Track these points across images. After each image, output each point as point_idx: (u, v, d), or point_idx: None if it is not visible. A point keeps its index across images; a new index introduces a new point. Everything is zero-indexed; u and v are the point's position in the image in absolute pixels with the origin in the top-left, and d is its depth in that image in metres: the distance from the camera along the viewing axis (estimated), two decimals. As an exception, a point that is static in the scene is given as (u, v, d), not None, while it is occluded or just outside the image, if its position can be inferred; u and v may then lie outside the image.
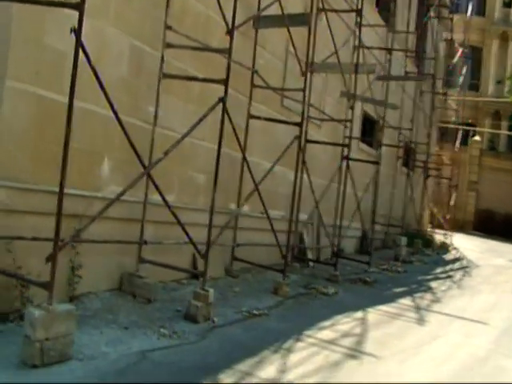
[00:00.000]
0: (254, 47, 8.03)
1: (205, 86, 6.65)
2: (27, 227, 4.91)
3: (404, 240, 14.23)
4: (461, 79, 24.84)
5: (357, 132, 12.70)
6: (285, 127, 8.44)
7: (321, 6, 9.88)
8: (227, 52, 5.98)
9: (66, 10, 4.31)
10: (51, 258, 4.04)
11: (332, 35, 9.62)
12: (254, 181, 7.08)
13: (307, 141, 9.62)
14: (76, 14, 4.96)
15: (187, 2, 6.71)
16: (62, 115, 4.28)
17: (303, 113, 7.90)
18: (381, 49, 13.29)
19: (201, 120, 5.79)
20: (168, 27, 6.18)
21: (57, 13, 4.80)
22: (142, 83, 6.16)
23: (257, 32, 8.04)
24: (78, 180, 5.42)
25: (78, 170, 5.40)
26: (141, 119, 6.14)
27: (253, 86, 8.01)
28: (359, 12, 10.36)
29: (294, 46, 7.88)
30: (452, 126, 23.88)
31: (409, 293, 9.49)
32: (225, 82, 5.91)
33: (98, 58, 5.45)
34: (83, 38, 5.13)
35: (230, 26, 6.06)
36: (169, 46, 6.20)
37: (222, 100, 5.86)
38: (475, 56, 41.10)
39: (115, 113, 4.71)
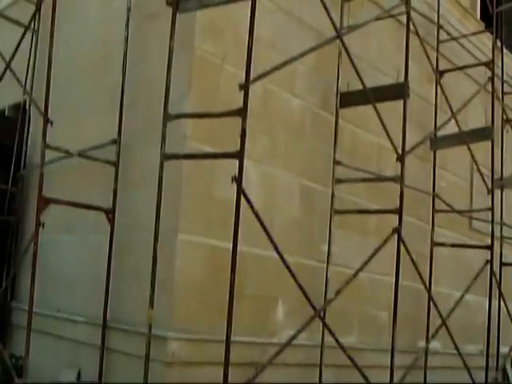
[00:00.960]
0: (433, 170, 7.67)
1: (382, 217, 6.41)
2: (203, 378, 4.85)
3: None
4: None
5: None
6: (477, 251, 7.83)
7: (505, 116, 9.36)
8: (399, 179, 5.73)
9: (234, 161, 4.36)
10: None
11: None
12: (440, 314, 6.52)
13: (503, 264, 8.81)
14: (246, 162, 5.15)
15: (357, 134, 6.63)
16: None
17: (493, 234, 7.30)
18: None
19: (374, 254, 5.53)
20: (337, 162, 6.12)
21: (224, 164, 4.90)
22: (315, 221, 6.08)
23: (435, 154, 7.71)
24: (252, 326, 5.34)
25: (251, 317, 5.34)
26: (315, 258, 6.02)
27: (434, 211, 7.60)
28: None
29: (476, 163, 7.42)
30: None
31: None
32: (398, 211, 5.64)
33: (268, 202, 5.53)
34: (251, 185, 5.29)
35: (400, 151, 5.84)
36: (338, 181, 6.10)
37: (397, 230, 5.57)
38: None
39: (280, 255, 4.60)
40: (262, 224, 4.35)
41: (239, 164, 4.07)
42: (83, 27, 5.91)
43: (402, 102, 6.10)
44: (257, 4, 4.68)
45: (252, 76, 4.48)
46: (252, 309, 5.35)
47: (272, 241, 4.44)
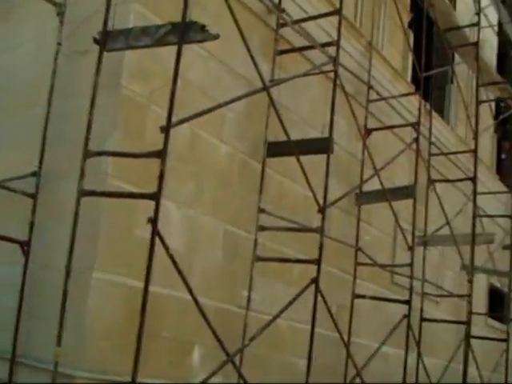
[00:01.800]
0: (357, 224, 7.85)
1: (305, 266, 6.49)
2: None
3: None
4: None
5: (482, 307, 11.83)
6: (399, 305, 8.00)
7: (432, 175, 9.72)
8: (319, 231, 5.86)
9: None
10: None
11: (442, 206, 9.32)
12: (354, 365, 6.59)
13: (423, 319, 9.02)
14: (169, 204, 5.18)
15: (284, 184, 6.76)
16: (151, 305, 4.24)
17: (411, 289, 7.49)
18: (503, 216, 12.69)
19: (291, 302, 5.62)
20: (262, 210, 6.21)
21: (146, 204, 4.91)
22: (237, 267, 6.11)
23: (359, 208, 7.91)
24: (168, 370, 5.28)
25: (168, 360, 5.30)
26: (235, 304, 6.03)
27: (357, 263, 7.75)
28: (473, 180, 10.06)
29: (397, 219, 7.65)
30: None
31: None
32: (317, 262, 5.75)
33: (190, 246, 5.55)
34: (173, 227, 5.32)
35: (322, 203, 5.98)
36: (262, 228, 6.18)
37: (315, 280, 5.67)
38: None
39: (194, 298, 4.59)
40: (176, 266, 4.35)
41: (156, 205, 4.08)
42: (15, 58, 5.90)
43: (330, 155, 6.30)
44: (188, 50, 4.81)
45: (178, 119, 4.58)
46: (168, 352, 5.30)
47: (186, 283, 4.44)
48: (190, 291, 4.53)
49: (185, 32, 4.08)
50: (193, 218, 5.55)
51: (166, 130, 4.13)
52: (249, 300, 6.08)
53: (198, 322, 5.56)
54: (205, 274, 5.72)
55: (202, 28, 4.08)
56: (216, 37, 4.16)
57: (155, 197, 4.07)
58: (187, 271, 5.16)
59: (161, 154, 4.10)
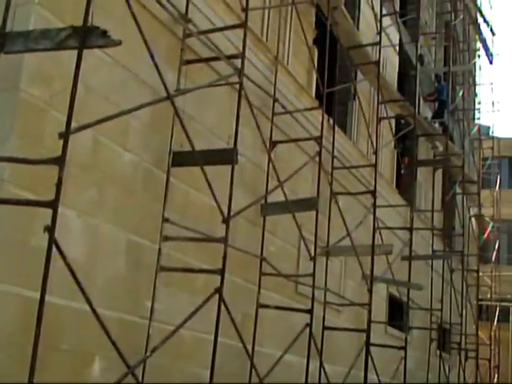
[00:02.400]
0: (262, 234, 7.93)
1: (210, 277, 6.49)
2: None
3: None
4: (493, 255, 24.38)
5: (382, 315, 12.22)
6: (303, 315, 8.13)
7: (335, 188, 9.98)
8: (223, 241, 5.89)
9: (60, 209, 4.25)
10: None
11: (343, 218, 9.58)
12: (257, 374, 6.64)
13: (325, 328, 9.20)
14: (69, 212, 5.06)
15: (190, 194, 6.74)
16: (50, 316, 4.10)
17: (313, 298, 7.64)
18: (401, 228, 13.19)
19: (194, 313, 5.59)
20: (166, 220, 6.17)
21: (44, 212, 4.77)
22: (140, 277, 6.03)
23: (265, 219, 8.00)
24: (67, 382, 5.13)
25: (67, 372, 5.16)
26: (138, 315, 5.94)
27: (262, 274, 7.83)
28: (373, 193, 10.41)
29: (300, 230, 7.80)
30: (489, 303, 23.11)
31: None
32: (221, 272, 5.76)
33: (91, 255, 5.43)
34: (73, 236, 5.19)
35: (226, 214, 6.01)
36: (166, 238, 6.14)
37: (218, 290, 5.68)
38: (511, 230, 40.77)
39: (92, 309, 4.48)
40: (74, 276, 4.23)
41: (53, 214, 3.96)
42: None
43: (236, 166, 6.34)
44: (92, 55, 4.74)
45: (79, 125, 4.48)
46: (67, 364, 5.16)
47: (84, 294, 4.33)
48: (89, 302, 4.42)
49: (86, 37, 4.00)
50: (94, 226, 5.44)
51: (64, 136, 4.03)
52: (152, 311, 6.00)
53: (99, 333, 5.45)
54: (107, 284, 5.61)
55: (104, 33, 4.02)
56: (118, 43, 4.10)
57: (53, 204, 3.95)
58: (88, 281, 5.05)
59: (59, 161, 3.99)
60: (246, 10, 6.55)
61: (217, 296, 5.96)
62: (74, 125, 4.27)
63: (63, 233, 4.72)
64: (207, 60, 6.74)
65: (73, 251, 5.14)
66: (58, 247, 4.03)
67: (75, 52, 4.19)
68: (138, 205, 5.97)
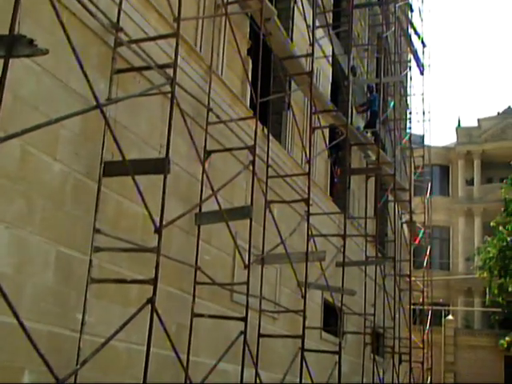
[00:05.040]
0: (196, 243, 7.93)
1: (143, 287, 6.44)
2: None
3: None
4: (425, 260, 25.05)
5: (317, 321, 12.38)
6: (238, 323, 8.16)
7: (270, 197, 10.06)
8: (155, 251, 5.86)
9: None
10: None
11: (277, 226, 9.67)
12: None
13: (261, 335, 9.26)
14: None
15: (122, 204, 6.68)
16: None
17: (247, 306, 7.68)
18: (335, 235, 13.41)
19: (125, 324, 5.54)
20: (97, 231, 6.10)
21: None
22: (71, 290, 5.92)
23: (199, 228, 8.00)
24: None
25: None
26: (69, 328, 5.84)
27: (196, 283, 7.82)
28: (306, 201, 10.56)
29: (234, 238, 7.84)
30: (421, 307, 23.72)
31: None
32: (154, 282, 5.74)
33: (19, 268, 5.32)
34: (4, 249, 5.08)
35: (158, 225, 5.99)
36: (98, 249, 6.07)
37: (150, 300, 5.65)
38: (443, 235, 42.03)
39: (20, 322, 4.40)
40: (0, 289, 4.14)
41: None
42: None
43: (170, 175, 6.33)
44: (19, 63, 4.66)
45: (5, 135, 4.41)
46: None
47: (11, 307, 4.24)
48: (16, 315, 4.33)
49: (12, 45, 3.95)
50: (22, 238, 5.32)
51: (-10, 146, 3.96)
52: (83, 323, 5.91)
53: (29, 347, 5.35)
54: (36, 297, 5.50)
55: (31, 42, 3.97)
56: (45, 52, 4.06)
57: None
58: (16, 294, 4.96)
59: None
60: (178, 19, 6.56)
61: (150, 306, 5.92)
62: (1, 134, 4.20)
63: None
64: (139, 69, 6.71)
65: (0, 263, 5.03)
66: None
67: (1, 61, 4.13)
68: (68, 216, 5.88)
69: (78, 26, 5.84)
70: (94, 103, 5.36)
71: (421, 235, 24.70)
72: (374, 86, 17.82)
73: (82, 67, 5.03)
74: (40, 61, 5.09)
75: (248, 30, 10.19)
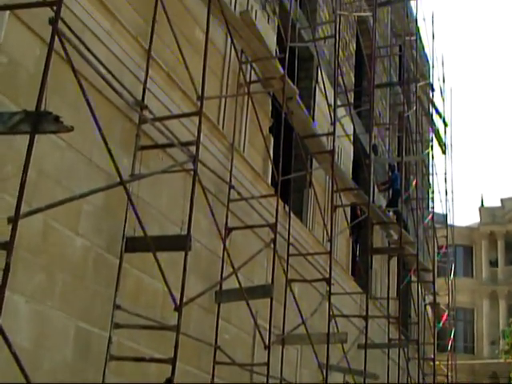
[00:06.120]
0: (216, 322, 7.79)
1: (162, 365, 6.29)
2: None
3: None
4: (450, 343, 24.36)
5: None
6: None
7: (291, 275, 9.93)
8: (175, 329, 5.75)
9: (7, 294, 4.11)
10: None
11: (298, 305, 9.50)
12: None
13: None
14: (17, 297, 4.89)
15: (142, 280, 6.62)
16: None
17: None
18: (357, 316, 13.13)
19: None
20: (117, 307, 6.02)
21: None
22: (90, 366, 5.81)
23: (219, 306, 7.88)
24: None
25: None
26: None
27: (216, 362, 7.63)
28: (328, 281, 10.41)
29: (254, 318, 7.69)
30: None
31: None
32: (172, 362, 5.60)
33: (38, 342, 5.25)
34: (20, 322, 5.02)
35: (178, 302, 5.90)
36: (117, 326, 5.97)
37: (169, 381, 5.50)
38: (467, 317, 41.10)
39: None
40: (19, 364, 4.05)
41: (0, 300, 3.85)
42: None
43: (190, 252, 6.29)
44: (45, 138, 4.74)
45: (30, 209, 4.44)
46: None
47: (28, 381, 4.14)
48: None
49: (38, 122, 4.02)
50: (42, 312, 5.27)
51: (14, 221, 3.97)
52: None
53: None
54: (53, 372, 5.38)
55: (57, 119, 4.04)
56: (70, 129, 4.13)
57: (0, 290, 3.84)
58: (34, 369, 4.87)
59: (7, 246, 3.91)
60: (201, 98, 6.67)
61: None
62: (25, 208, 4.22)
63: (10, 318, 4.60)
64: (162, 146, 6.80)
65: (19, 337, 4.96)
66: (3, 335, 3.88)
67: (27, 136, 4.20)
68: (89, 291, 5.83)
69: (103, 103, 5.97)
70: (117, 178, 5.40)
71: (446, 317, 24.10)
72: (396, 164, 17.87)
73: (106, 143, 5.09)
74: (65, 136, 5.16)
75: (270, 108, 10.36)
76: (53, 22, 4.40)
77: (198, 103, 6.79)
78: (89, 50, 5.30)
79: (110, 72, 5.68)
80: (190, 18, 7.72)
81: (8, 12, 4.83)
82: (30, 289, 5.15)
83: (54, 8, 4.42)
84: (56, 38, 4.40)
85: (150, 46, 6.60)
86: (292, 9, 10.32)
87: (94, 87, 5.74)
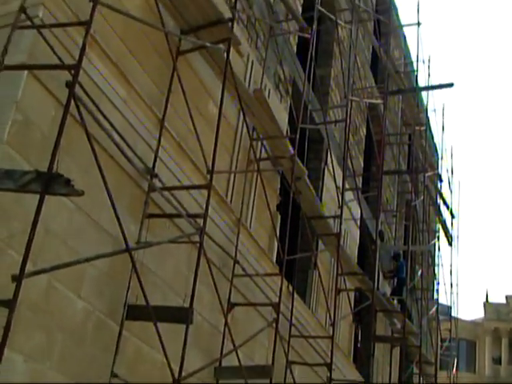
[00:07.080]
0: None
1: None
2: None
3: None
4: None
5: None
6: None
7: (292, 357, 9.72)
8: None
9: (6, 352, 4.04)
10: None
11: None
12: None
13: None
14: (15, 355, 4.80)
15: (142, 349, 6.49)
16: None
17: None
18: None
19: None
20: (115, 375, 5.88)
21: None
22: None
23: (218, 382, 7.68)
24: None
25: None
26: None
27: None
28: (329, 366, 10.19)
29: None
30: None
31: None
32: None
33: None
34: (18, 380, 4.90)
35: (177, 376, 5.76)
36: (114, 391, 5.82)
37: None
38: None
39: None
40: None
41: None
42: None
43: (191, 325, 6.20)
44: (54, 198, 4.77)
45: (34, 269, 4.43)
46: None
47: None
48: None
49: (49, 183, 4.07)
50: (39, 372, 5.16)
51: (18, 280, 3.96)
52: None
53: None
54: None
55: (68, 182, 4.10)
56: (81, 193, 4.18)
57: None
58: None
59: (10, 304, 3.89)
60: (211, 172, 6.73)
61: None
62: (30, 266, 4.21)
63: (7, 376, 4.51)
64: (170, 216, 6.83)
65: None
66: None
67: (37, 195, 4.23)
68: (87, 355, 5.72)
69: (113, 168, 6.03)
70: (123, 243, 5.40)
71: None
72: (402, 252, 17.78)
73: (114, 209, 5.12)
74: (74, 197, 5.20)
75: (279, 186, 10.44)
76: (70, 85, 4.52)
77: (208, 176, 6.85)
78: (103, 115, 5.41)
79: (122, 138, 5.78)
80: (204, 92, 7.91)
81: (26, 71, 4.96)
82: (29, 348, 5.06)
83: (72, 72, 4.55)
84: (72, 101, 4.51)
85: (163, 116, 6.73)
86: (305, 90, 10.55)
87: (106, 151, 5.82)
